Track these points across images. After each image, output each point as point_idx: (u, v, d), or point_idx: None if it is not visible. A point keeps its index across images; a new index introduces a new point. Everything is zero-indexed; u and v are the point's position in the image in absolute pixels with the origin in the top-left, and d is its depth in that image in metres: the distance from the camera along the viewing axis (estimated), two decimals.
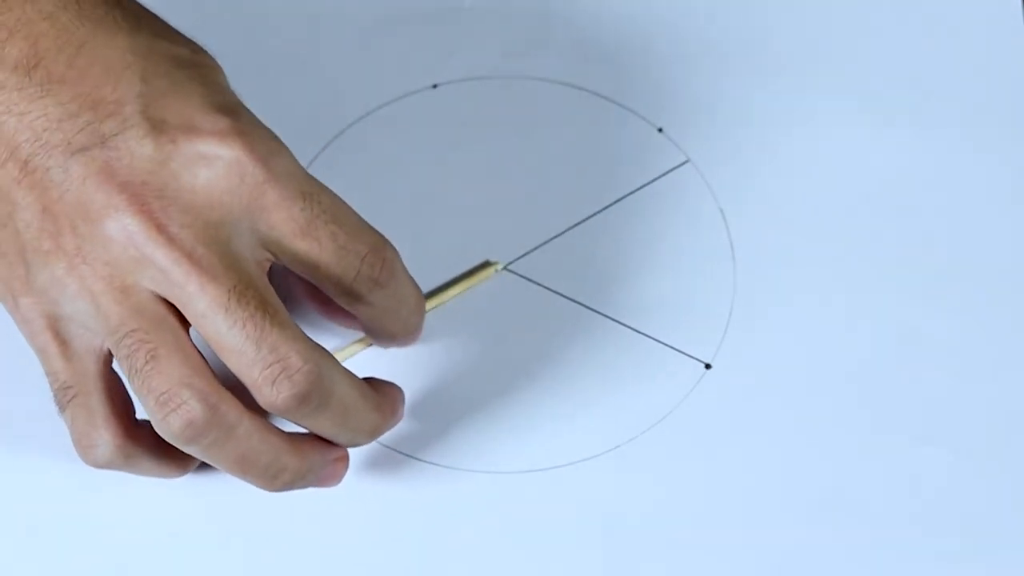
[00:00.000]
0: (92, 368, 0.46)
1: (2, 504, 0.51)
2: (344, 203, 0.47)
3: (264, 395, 0.45)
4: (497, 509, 0.51)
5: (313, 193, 0.46)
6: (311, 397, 0.45)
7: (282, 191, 0.45)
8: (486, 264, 0.55)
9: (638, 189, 0.57)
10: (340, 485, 0.50)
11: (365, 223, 0.47)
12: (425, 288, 0.55)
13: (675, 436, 0.52)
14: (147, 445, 0.48)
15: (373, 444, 0.52)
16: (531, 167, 0.58)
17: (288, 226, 0.46)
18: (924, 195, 0.57)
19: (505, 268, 0.55)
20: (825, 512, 0.51)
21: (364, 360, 0.53)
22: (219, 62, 0.48)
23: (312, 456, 0.47)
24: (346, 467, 0.49)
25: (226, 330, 0.44)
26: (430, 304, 0.54)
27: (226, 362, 0.45)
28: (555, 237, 0.56)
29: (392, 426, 0.50)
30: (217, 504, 0.51)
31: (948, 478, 0.51)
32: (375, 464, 0.52)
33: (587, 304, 0.55)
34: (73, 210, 0.45)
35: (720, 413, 0.53)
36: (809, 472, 0.51)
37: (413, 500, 0.51)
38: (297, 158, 0.46)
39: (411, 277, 0.49)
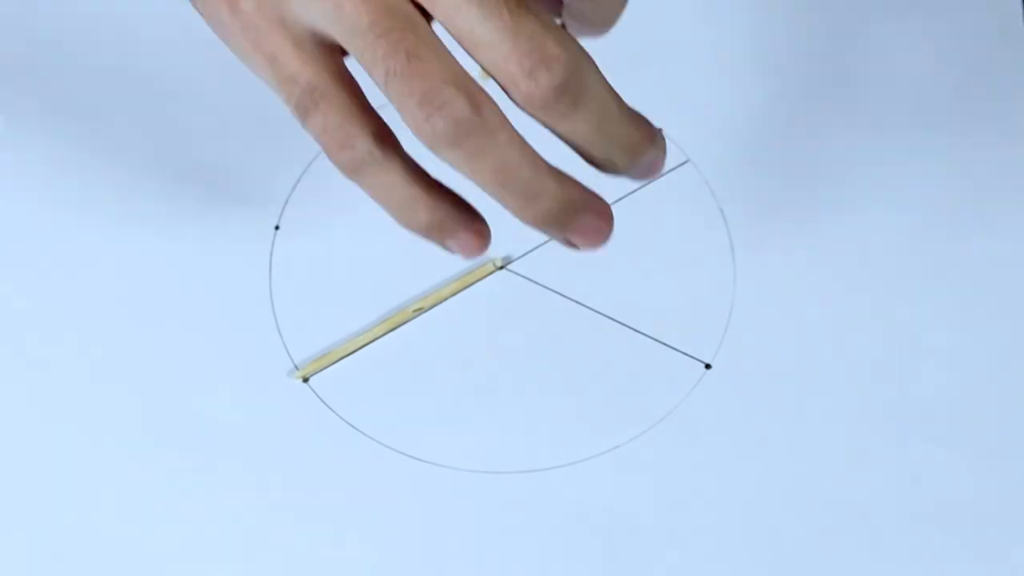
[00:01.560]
0: (335, 65, 0.44)
1: (2, 504, 0.51)
2: None
3: (521, 88, 0.42)
4: (497, 509, 0.51)
5: None
6: (568, 88, 0.42)
7: None
8: (486, 263, 0.55)
9: (638, 189, 0.57)
10: (340, 485, 0.50)
11: None
12: (425, 288, 0.55)
13: (675, 436, 0.52)
14: (405, 154, 0.44)
15: (373, 444, 0.52)
16: None
17: None
18: (924, 195, 0.57)
19: (505, 268, 0.55)
20: (825, 512, 0.51)
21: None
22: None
23: (574, 188, 0.44)
24: (609, 228, 0.45)
25: (480, 22, 0.42)
26: (430, 303, 0.54)
27: (477, 57, 0.42)
28: None
29: (651, 156, 0.45)
30: (217, 504, 0.51)
31: (948, 478, 0.51)
32: (375, 464, 0.52)
33: (587, 304, 0.55)
34: None
35: (720, 413, 0.53)
36: (809, 472, 0.51)
37: (413, 500, 0.51)
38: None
39: None
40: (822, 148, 0.58)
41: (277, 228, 0.56)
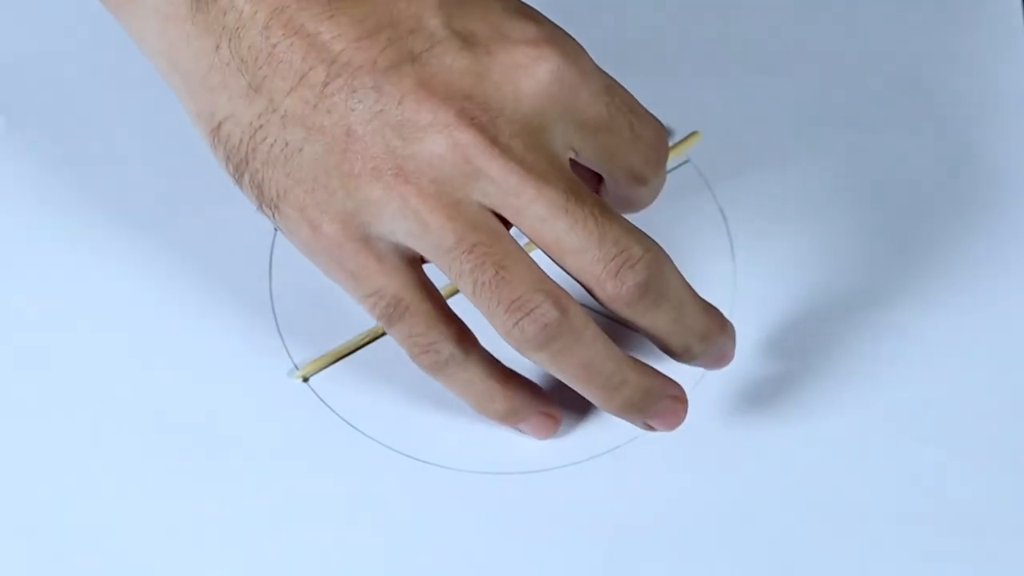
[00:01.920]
0: (417, 278, 0.46)
1: (2, 504, 0.51)
2: (628, 91, 0.47)
3: (608, 289, 0.44)
4: (497, 509, 0.51)
5: (612, 86, 0.46)
6: (652, 287, 0.45)
7: (592, 88, 0.45)
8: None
9: None
10: (340, 485, 0.50)
11: (646, 108, 0.48)
12: None
13: (675, 436, 0.52)
14: (482, 350, 0.47)
15: (373, 444, 0.52)
16: None
17: (596, 121, 0.46)
18: (924, 195, 0.57)
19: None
20: (825, 512, 0.51)
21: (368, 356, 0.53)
22: None
23: (652, 377, 0.47)
24: (684, 410, 0.48)
25: (566, 231, 0.44)
26: None
27: (565, 264, 0.44)
28: None
29: (721, 344, 0.49)
30: (217, 504, 0.51)
31: (948, 478, 0.51)
32: (375, 464, 0.52)
33: (587, 304, 0.55)
34: (388, 129, 0.44)
35: (720, 413, 0.53)
36: (808, 472, 0.51)
37: (413, 500, 0.51)
38: None
39: None
40: (822, 148, 0.58)
41: (277, 228, 0.56)
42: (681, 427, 0.52)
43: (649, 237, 0.45)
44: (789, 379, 0.53)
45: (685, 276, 0.47)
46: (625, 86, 0.48)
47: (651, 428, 0.49)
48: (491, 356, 0.47)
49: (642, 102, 0.48)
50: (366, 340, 0.54)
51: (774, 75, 0.60)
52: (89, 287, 0.55)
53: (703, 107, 0.59)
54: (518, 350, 0.45)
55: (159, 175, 0.57)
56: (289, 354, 0.54)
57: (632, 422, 0.48)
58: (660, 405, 0.48)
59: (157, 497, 0.51)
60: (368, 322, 0.54)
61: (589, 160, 0.47)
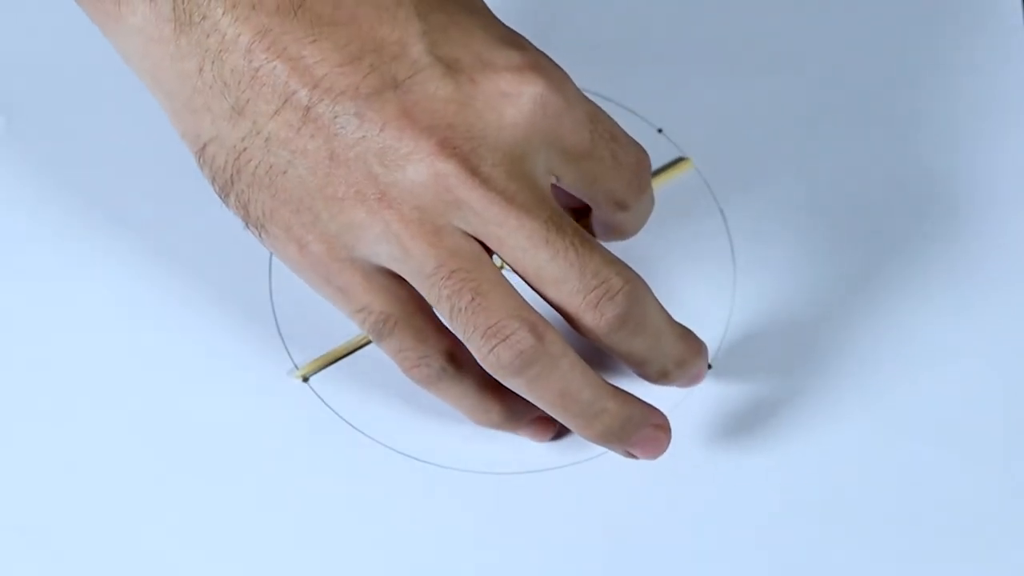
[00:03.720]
0: (405, 294, 0.46)
1: (3, 504, 0.51)
2: (611, 118, 0.47)
3: (588, 320, 0.45)
4: (497, 509, 0.51)
5: (595, 113, 0.46)
6: (630, 317, 0.45)
7: (575, 116, 0.45)
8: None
9: None
10: (340, 485, 0.50)
11: (628, 135, 0.48)
12: None
13: (675, 436, 0.52)
14: (475, 363, 0.47)
15: (373, 444, 0.52)
16: None
17: (578, 149, 0.46)
18: (924, 195, 0.57)
19: (504, 267, 0.55)
20: (825, 512, 0.51)
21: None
22: None
23: (632, 406, 0.47)
24: (667, 439, 0.48)
25: (547, 261, 0.44)
26: None
27: (545, 293, 0.45)
28: None
29: (697, 368, 0.49)
30: (217, 504, 0.51)
31: (948, 478, 0.51)
32: (375, 464, 0.52)
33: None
34: (371, 156, 0.44)
35: (720, 413, 0.53)
36: (809, 472, 0.51)
37: (413, 500, 0.51)
38: None
39: None
40: (822, 148, 0.58)
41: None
42: (681, 427, 0.52)
43: (629, 268, 0.45)
44: (789, 379, 0.53)
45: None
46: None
47: (633, 456, 0.48)
48: (484, 371, 0.47)
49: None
50: (366, 340, 0.54)
51: (774, 75, 0.60)
52: (89, 287, 0.55)
53: (703, 107, 0.59)
54: (495, 376, 0.45)
55: (159, 175, 0.57)
56: (289, 354, 0.54)
57: (613, 450, 0.48)
58: (641, 434, 0.47)
59: (157, 497, 0.51)
60: None
61: (570, 186, 0.47)
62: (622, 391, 0.47)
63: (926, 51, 0.60)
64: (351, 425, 0.53)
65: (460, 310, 0.44)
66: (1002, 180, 0.57)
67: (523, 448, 0.52)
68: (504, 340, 0.44)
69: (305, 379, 0.54)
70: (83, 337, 0.54)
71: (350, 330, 0.54)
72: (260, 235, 0.46)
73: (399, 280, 0.46)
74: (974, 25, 0.61)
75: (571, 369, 0.45)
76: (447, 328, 0.47)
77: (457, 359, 0.47)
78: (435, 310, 0.45)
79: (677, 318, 0.54)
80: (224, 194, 0.46)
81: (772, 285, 0.55)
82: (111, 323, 0.54)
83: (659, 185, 0.54)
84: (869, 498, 0.51)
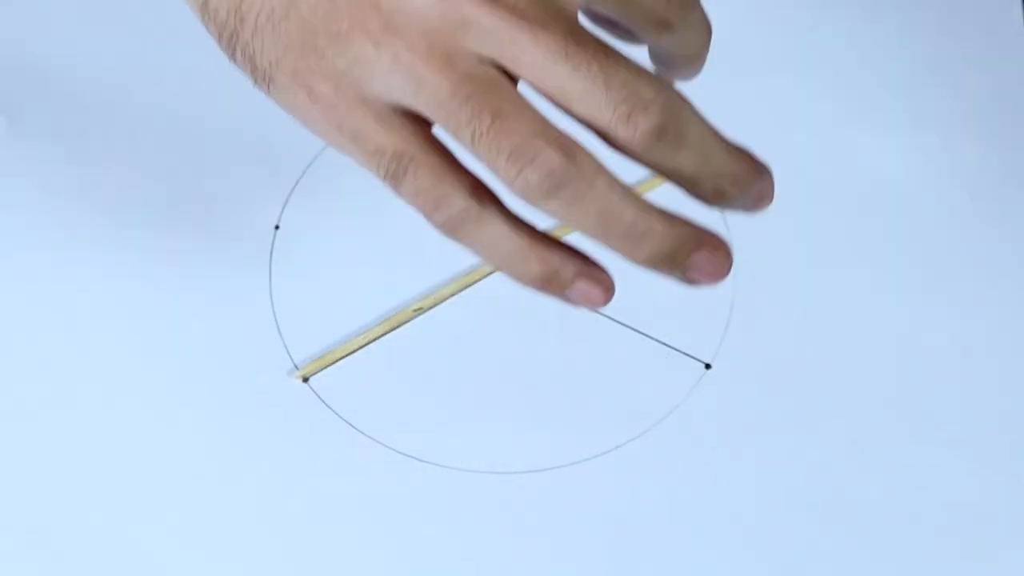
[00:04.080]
0: (420, 131, 0.43)
1: (3, 504, 0.51)
2: None
3: (622, 135, 0.42)
4: (497, 509, 0.51)
5: None
6: (668, 128, 0.42)
7: None
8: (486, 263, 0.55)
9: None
10: (340, 485, 0.50)
11: None
12: (425, 288, 0.55)
13: (675, 436, 0.52)
14: (502, 205, 0.43)
15: (373, 444, 0.52)
16: None
17: None
18: (924, 195, 0.57)
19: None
20: (825, 511, 0.51)
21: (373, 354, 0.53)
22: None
23: (681, 226, 0.43)
24: (727, 258, 0.44)
25: (568, 77, 0.42)
26: (429, 303, 0.54)
27: (571, 111, 0.42)
28: None
29: (758, 187, 0.45)
30: (217, 504, 0.51)
31: (948, 478, 0.51)
32: (375, 464, 0.52)
33: None
34: None
35: (720, 413, 0.53)
36: (809, 472, 0.51)
37: (413, 500, 0.51)
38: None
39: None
40: (821, 148, 0.58)
41: (277, 228, 0.56)
42: (681, 427, 0.52)
43: (663, 80, 0.42)
44: (789, 379, 0.53)
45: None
46: None
47: (694, 282, 0.44)
48: (517, 215, 0.44)
49: None
50: (366, 340, 0.54)
51: (775, 75, 0.60)
52: (89, 287, 0.55)
53: (703, 107, 0.59)
54: (527, 201, 0.42)
55: (159, 175, 0.57)
56: (289, 354, 0.54)
57: (670, 277, 0.44)
58: (697, 256, 0.44)
59: (157, 496, 0.51)
60: (368, 322, 0.54)
61: (605, 7, 0.44)
62: (669, 212, 0.43)
63: (926, 51, 0.60)
64: (351, 425, 0.53)
65: (481, 134, 0.41)
66: (1002, 180, 0.57)
67: (523, 448, 0.52)
68: (532, 161, 0.41)
69: (305, 379, 0.54)
70: (83, 337, 0.54)
71: (350, 330, 0.54)
72: (268, 89, 0.45)
73: (414, 119, 0.44)
74: (974, 25, 0.61)
75: (609, 188, 0.42)
76: (468, 169, 0.44)
77: (482, 198, 0.44)
78: (458, 142, 0.42)
79: (677, 318, 0.54)
80: (230, 49, 0.45)
81: (772, 285, 0.55)
82: (111, 323, 0.54)
83: (659, 185, 0.54)
84: (869, 498, 0.51)
